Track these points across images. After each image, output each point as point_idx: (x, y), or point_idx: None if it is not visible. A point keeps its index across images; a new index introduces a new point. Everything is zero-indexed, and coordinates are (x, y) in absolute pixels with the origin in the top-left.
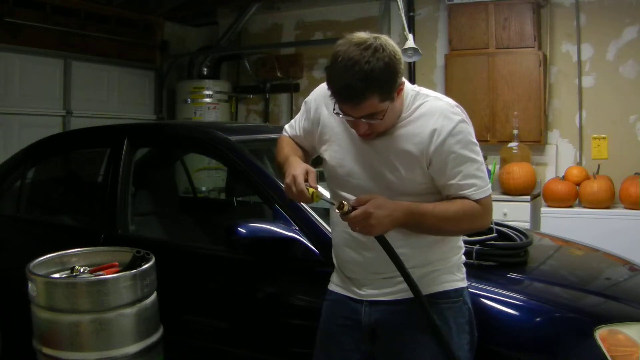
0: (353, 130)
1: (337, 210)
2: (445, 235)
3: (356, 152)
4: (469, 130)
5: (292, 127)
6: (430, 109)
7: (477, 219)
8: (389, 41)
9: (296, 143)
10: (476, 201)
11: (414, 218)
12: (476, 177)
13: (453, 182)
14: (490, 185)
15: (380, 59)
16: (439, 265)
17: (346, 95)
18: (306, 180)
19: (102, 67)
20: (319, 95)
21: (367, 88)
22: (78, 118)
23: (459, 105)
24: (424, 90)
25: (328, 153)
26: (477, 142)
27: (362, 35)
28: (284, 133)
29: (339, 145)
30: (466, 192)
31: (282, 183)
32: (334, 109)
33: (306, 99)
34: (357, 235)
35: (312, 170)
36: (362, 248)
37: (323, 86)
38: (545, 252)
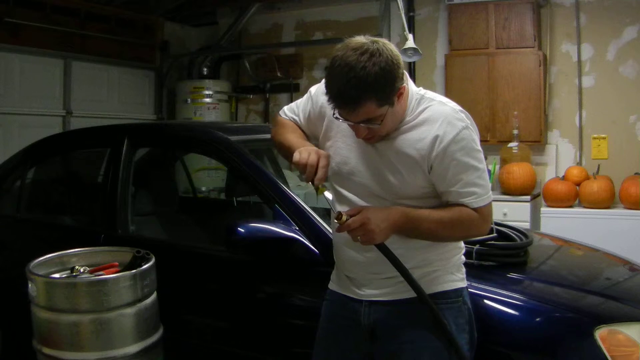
0: None
1: (335, 221)
2: (441, 241)
3: (360, 151)
4: (473, 137)
5: (293, 111)
6: (434, 114)
7: (474, 227)
8: (387, 45)
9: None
10: (475, 209)
11: (410, 222)
12: (477, 185)
13: (453, 189)
14: (491, 193)
15: (377, 63)
16: (438, 265)
17: (341, 101)
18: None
19: (102, 67)
20: None
21: (362, 94)
22: (78, 118)
23: (464, 111)
24: (429, 94)
25: (333, 149)
26: (480, 149)
27: (360, 39)
28: (282, 115)
29: (344, 143)
30: (465, 200)
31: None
32: (333, 114)
33: (312, 90)
34: None
35: (325, 155)
36: (363, 248)
37: None
38: (545, 252)
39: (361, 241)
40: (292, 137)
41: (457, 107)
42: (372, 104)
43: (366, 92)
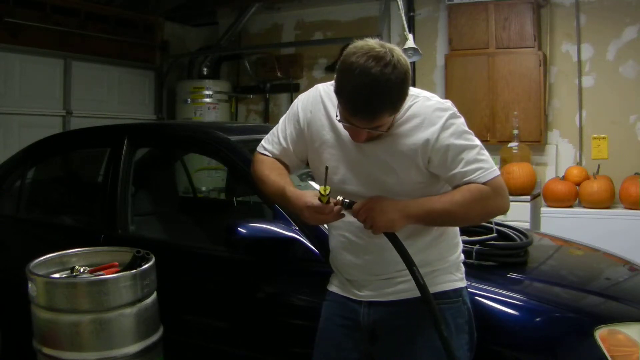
0: (344, 137)
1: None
2: (461, 224)
3: (348, 160)
4: (461, 121)
5: (270, 142)
6: (420, 109)
7: (490, 201)
8: (401, 54)
9: (278, 161)
10: (485, 183)
11: (423, 207)
12: (479, 161)
13: (456, 171)
14: (496, 167)
15: (398, 76)
16: (437, 265)
17: (361, 110)
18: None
19: (102, 67)
20: (307, 102)
21: (384, 106)
22: (78, 118)
23: (448, 101)
24: (412, 90)
25: (320, 161)
26: (470, 131)
27: (376, 47)
28: (260, 151)
29: (329, 154)
30: (472, 178)
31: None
32: (336, 116)
33: (291, 110)
34: (355, 238)
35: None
36: (361, 251)
37: (308, 94)
38: (545, 252)
39: (372, 230)
40: (273, 175)
41: (441, 99)
42: (387, 114)
43: (387, 104)
